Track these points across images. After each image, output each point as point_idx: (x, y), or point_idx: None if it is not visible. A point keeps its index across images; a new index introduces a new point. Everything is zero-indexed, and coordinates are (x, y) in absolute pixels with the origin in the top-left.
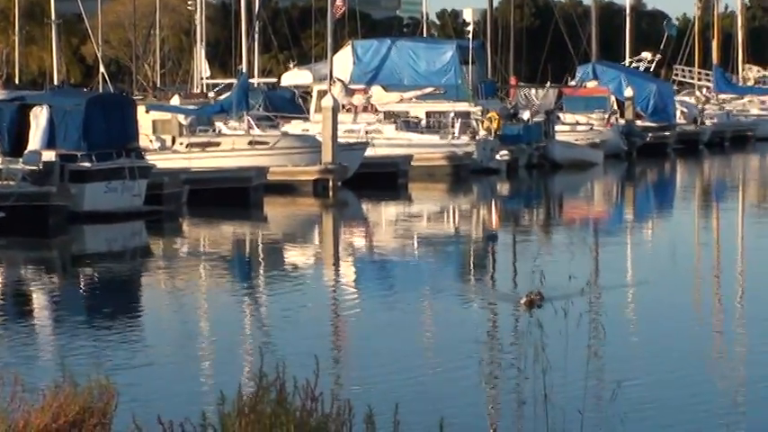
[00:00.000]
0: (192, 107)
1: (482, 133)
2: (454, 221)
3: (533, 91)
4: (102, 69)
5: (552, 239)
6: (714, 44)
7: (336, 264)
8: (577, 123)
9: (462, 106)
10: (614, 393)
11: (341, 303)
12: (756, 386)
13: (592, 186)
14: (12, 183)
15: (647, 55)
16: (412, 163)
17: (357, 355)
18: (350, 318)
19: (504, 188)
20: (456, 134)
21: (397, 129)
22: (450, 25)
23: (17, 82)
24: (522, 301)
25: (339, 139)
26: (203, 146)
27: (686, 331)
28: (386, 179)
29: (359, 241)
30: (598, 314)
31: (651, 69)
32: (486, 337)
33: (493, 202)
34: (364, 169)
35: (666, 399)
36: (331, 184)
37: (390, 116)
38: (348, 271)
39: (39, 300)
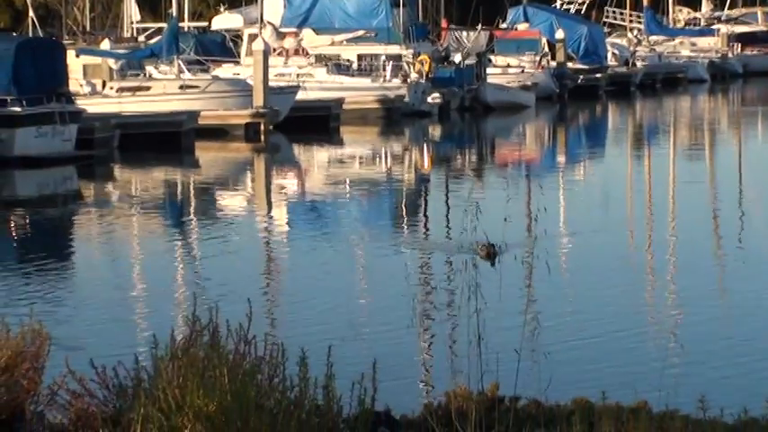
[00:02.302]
0: (122, 51)
1: (414, 76)
2: (386, 165)
3: (465, 33)
4: (31, 14)
5: (485, 182)
6: None
7: (269, 208)
8: (509, 66)
9: (394, 49)
10: (543, 332)
11: (274, 248)
12: (685, 327)
13: (524, 129)
14: None
15: None
16: (344, 106)
17: (290, 299)
18: (283, 262)
19: (435, 131)
20: (387, 77)
21: (328, 72)
22: None
23: None
24: (480, 253)
25: (270, 83)
26: (134, 90)
27: (618, 273)
28: (317, 123)
29: (291, 185)
30: (532, 257)
31: (582, 11)
32: (420, 279)
33: (425, 146)
34: (296, 113)
35: (597, 336)
36: (262, 128)
37: (322, 59)
38: (280, 215)
39: None
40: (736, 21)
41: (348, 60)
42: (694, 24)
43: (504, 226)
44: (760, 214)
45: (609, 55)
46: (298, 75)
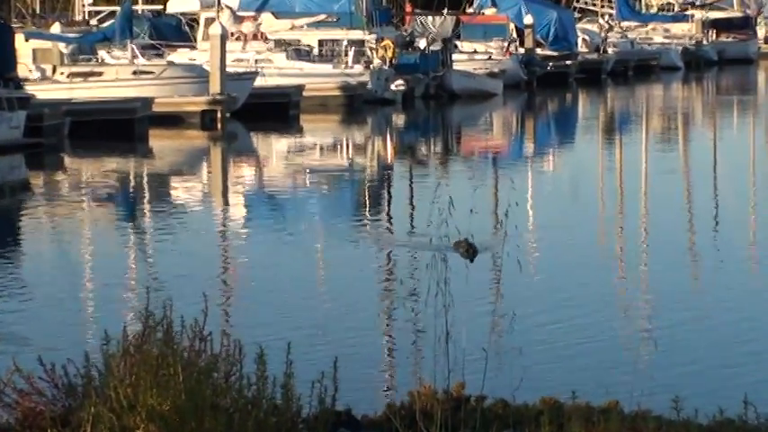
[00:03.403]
0: (73, 35)
1: (376, 62)
2: (348, 155)
3: (430, 18)
4: None
5: (450, 173)
6: None
7: (225, 200)
8: (475, 52)
9: (356, 34)
10: (513, 327)
11: (230, 241)
12: (658, 325)
13: (491, 118)
14: None
15: None
16: (304, 93)
17: (248, 294)
18: (240, 255)
19: (399, 119)
20: (349, 63)
21: (288, 58)
22: None
23: None
24: (460, 251)
25: (227, 69)
26: (85, 76)
27: (590, 269)
28: (276, 110)
29: (248, 176)
30: (501, 253)
31: None
32: (384, 275)
33: (388, 135)
34: (254, 100)
35: (567, 334)
36: (219, 115)
37: (281, 44)
38: (238, 207)
39: None
40: (711, 6)
41: (308, 46)
42: (668, 10)
43: (471, 219)
44: (735, 206)
45: (579, 41)
46: (256, 60)
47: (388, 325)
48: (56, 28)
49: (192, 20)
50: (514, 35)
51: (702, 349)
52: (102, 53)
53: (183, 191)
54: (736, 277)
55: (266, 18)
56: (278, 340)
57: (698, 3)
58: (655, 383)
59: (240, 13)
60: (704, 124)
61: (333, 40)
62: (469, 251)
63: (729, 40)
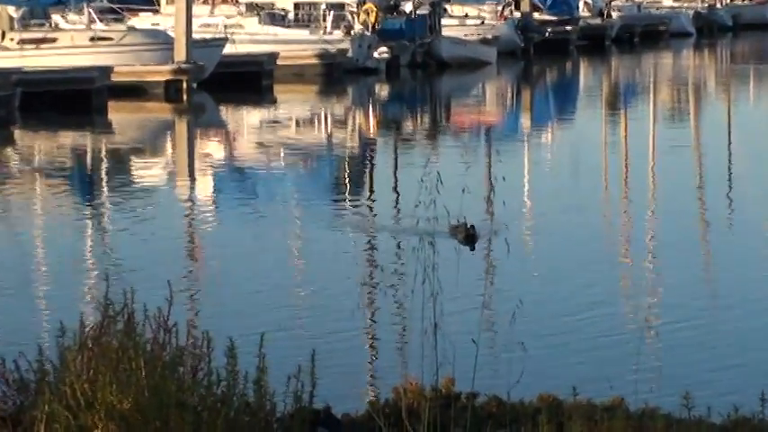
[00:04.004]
0: None
1: (358, 28)
2: (327, 129)
3: None
4: None
5: (439, 150)
6: None
7: (192, 179)
8: (467, 17)
9: None
10: (509, 318)
11: (198, 224)
12: (666, 316)
13: (483, 89)
14: None
15: None
16: (278, 62)
17: (217, 282)
18: (209, 240)
19: (383, 91)
20: (328, 29)
21: (260, 22)
22: None
23: None
24: (459, 236)
25: (194, 35)
26: (38, 42)
27: (593, 254)
28: (248, 80)
29: (217, 152)
30: (496, 237)
31: None
32: (367, 261)
33: (371, 107)
34: (223, 69)
35: (567, 325)
36: (185, 85)
37: (253, 8)
38: (205, 187)
39: None
40: None
41: (283, 9)
42: None
43: (463, 201)
44: (750, 187)
45: (580, 4)
46: (225, 26)
47: (371, 315)
48: None
49: None
50: None
51: (715, 342)
52: (56, 18)
53: (146, 169)
54: (752, 265)
55: None
56: (250, 332)
57: None
58: (663, 379)
59: None
60: (718, 97)
61: (310, 4)
62: (469, 237)
63: (745, 3)
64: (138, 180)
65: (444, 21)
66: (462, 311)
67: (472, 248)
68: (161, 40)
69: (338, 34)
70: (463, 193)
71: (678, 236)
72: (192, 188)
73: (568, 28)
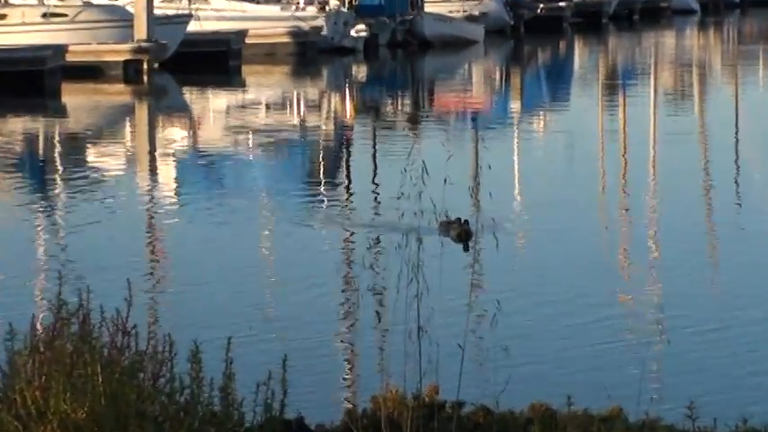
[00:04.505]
0: None
1: (333, 3)
2: (299, 114)
3: None
4: None
5: (422, 137)
6: None
7: (153, 168)
8: None
9: None
10: (498, 321)
11: (159, 218)
12: (668, 318)
13: (470, 70)
14: None
15: None
16: (246, 40)
17: (181, 281)
18: (172, 235)
19: (360, 72)
20: (301, 4)
21: None
22: None
23: None
24: (452, 233)
25: (155, 11)
26: None
27: (589, 250)
28: (214, 61)
29: (180, 139)
30: (480, 231)
31: None
32: (344, 258)
33: (347, 90)
34: (187, 48)
35: (561, 329)
36: (145, 66)
37: None
38: (168, 178)
39: None
40: None
41: None
42: None
43: (446, 192)
44: (762, 181)
45: None
46: (190, 1)
47: (349, 317)
48: None
49: None
50: None
51: (722, 349)
52: None
53: (103, 158)
54: (762, 265)
55: None
56: (217, 335)
57: None
58: (665, 388)
59: None
60: (724, 80)
61: None
62: (462, 234)
63: None
64: (93, 170)
65: None
66: (449, 313)
67: (466, 247)
68: (119, 17)
69: (312, 10)
70: (445, 185)
71: (683, 234)
72: (154, 179)
73: (562, 4)
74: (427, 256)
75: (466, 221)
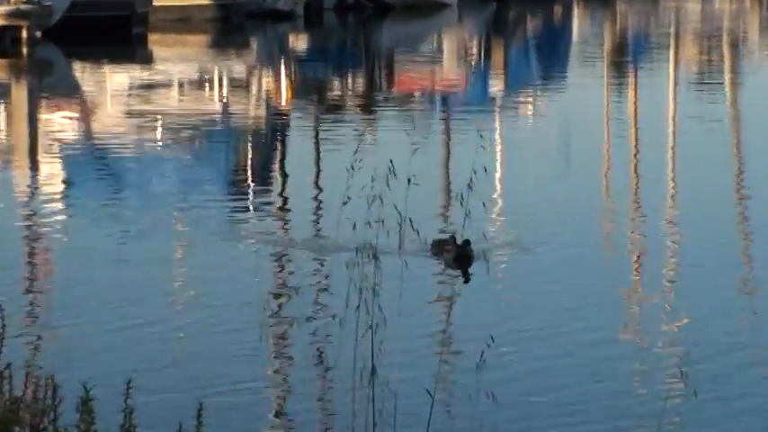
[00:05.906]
0: None
1: None
2: (221, 96)
3: None
4: None
5: (377, 124)
6: None
7: (33, 164)
8: None
9: None
10: (472, 360)
11: (40, 228)
12: (688, 344)
13: (440, 41)
14: None
15: None
16: (154, 2)
17: (68, 309)
18: (58, 249)
19: (300, 43)
20: None
21: None
22: None
23: None
24: (446, 255)
25: None
26: None
27: (592, 265)
28: (112, 28)
29: (69, 127)
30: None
31: None
32: (274, 281)
33: (283, 65)
34: (77, 12)
35: (553, 364)
36: (24, 34)
37: None
38: (51, 176)
39: None
40: None
41: None
42: None
43: (410, 194)
44: None
45: None
46: None
47: (282, 355)
48: None
49: None
50: None
51: (752, 382)
52: None
53: None
54: None
55: None
56: (113, 377)
57: None
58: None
59: None
60: (761, 54)
61: None
62: (461, 258)
63: None
64: None
65: None
66: (411, 349)
67: (466, 274)
68: None
69: None
70: (409, 185)
71: (706, 240)
72: (34, 179)
73: None
74: (386, 278)
75: (466, 241)
